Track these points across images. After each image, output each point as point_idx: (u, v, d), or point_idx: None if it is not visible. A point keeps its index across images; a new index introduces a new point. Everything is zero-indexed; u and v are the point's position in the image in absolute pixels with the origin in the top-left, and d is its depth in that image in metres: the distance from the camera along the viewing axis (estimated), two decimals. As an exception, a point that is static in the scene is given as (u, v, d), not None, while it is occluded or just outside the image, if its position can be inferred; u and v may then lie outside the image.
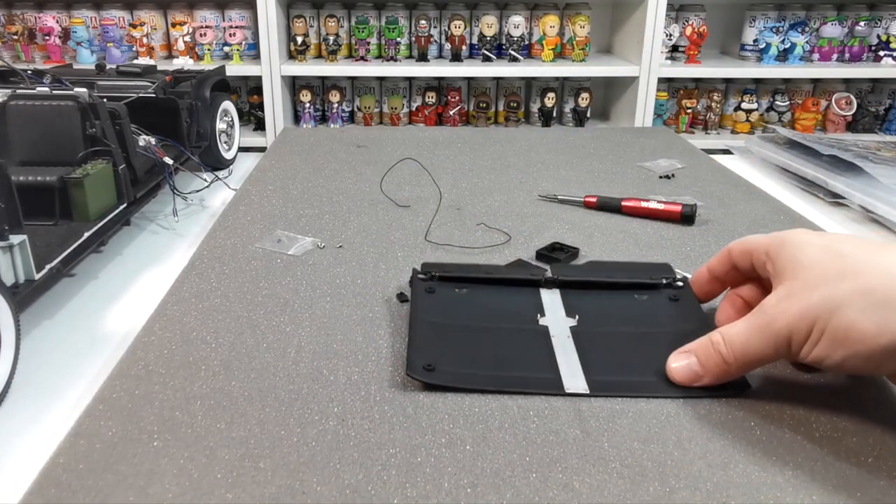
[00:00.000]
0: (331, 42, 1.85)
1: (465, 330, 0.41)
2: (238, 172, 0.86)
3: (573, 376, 0.37)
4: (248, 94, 1.96)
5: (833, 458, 0.32)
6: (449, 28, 1.87)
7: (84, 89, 0.61)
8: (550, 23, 1.86)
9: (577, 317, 0.42)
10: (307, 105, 1.91)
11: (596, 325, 0.42)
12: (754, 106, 1.94)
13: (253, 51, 1.89)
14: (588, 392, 0.36)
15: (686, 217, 0.60)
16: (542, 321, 0.42)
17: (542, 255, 0.52)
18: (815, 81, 1.99)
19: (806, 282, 0.32)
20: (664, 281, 0.44)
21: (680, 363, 0.36)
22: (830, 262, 0.32)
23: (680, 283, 0.44)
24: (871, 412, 0.35)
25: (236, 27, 1.85)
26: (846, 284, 0.31)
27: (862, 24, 1.89)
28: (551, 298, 0.44)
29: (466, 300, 0.44)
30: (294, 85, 1.96)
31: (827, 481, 0.30)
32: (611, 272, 0.46)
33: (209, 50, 1.85)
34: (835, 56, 1.93)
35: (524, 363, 0.38)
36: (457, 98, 1.93)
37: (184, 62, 1.78)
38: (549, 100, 1.93)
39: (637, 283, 0.45)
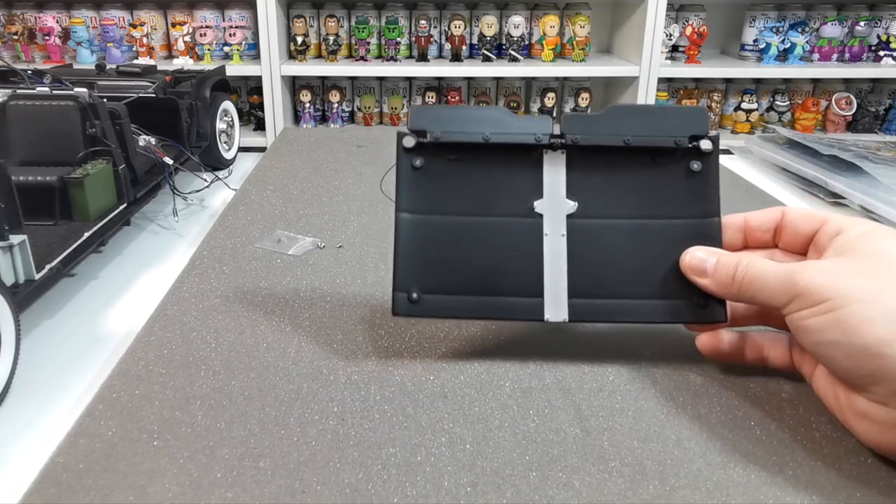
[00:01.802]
0: (331, 42, 1.85)
1: (453, 230, 0.39)
2: (238, 172, 0.86)
3: (556, 302, 0.37)
4: (248, 94, 1.96)
5: (833, 458, 0.32)
6: (449, 28, 1.87)
7: (84, 89, 0.61)
8: (550, 23, 1.86)
9: (576, 202, 0.39)
10: (307, 105, 1.91)
11: (596, 209, 0.39)
12: (754, 106, 1.94)
13: (253, 51, 1.90)
14: (567, 321, 0.37)
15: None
16: (538, 206, 0.39)
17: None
18: (815, 81, 1.99)
19: (857, 269, 0.31)
20: (689, 145, 0.39)
21: (698, 255, 0.37)
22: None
23: (707, 147, 0.39)
24: (870, 411, 0.35)
25: (236, 27, 1.85)
26: (891, 290, 0.30)
27: (862, 24, 1.89)
28: (554, 171, 0.39)
29: (458, 176, 0.39)
30: (294, 85, 1.96)
31: (827, 481, 0.30)
32: (632, 127, 0.39)
33: (209, 50, 1.85)
34: (835, 56, 1.93)
35: (511, 280, 0.38)
36: (457, 98, 1.93)
37: (184, 62, 1.79)
38: (549, 100, 1.93)
39: (655, 148, 0.39)
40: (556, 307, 0.37)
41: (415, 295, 0.38)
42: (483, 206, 0.39)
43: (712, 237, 0.38)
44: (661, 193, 0.39)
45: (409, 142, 0.39)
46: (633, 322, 0.38)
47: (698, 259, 0.37)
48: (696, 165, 0.39)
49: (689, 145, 0.38)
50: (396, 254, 0.38)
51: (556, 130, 0.39)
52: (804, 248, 0.37)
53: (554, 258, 0.38)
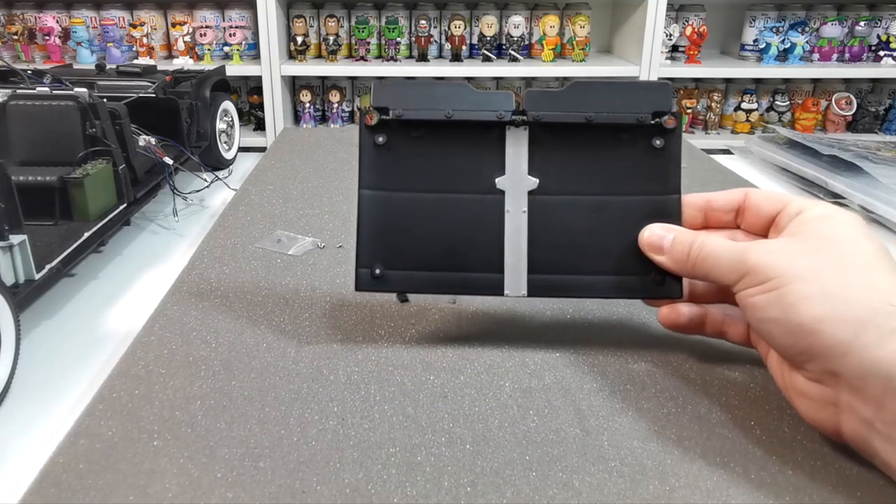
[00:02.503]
0: (331, 42, 1.85)
1: (415, 207, 0.39)
2: (238, 172, 0.86)
3: (516, 277, 0.38)
4: (248, 94, 1.96)
5: (833, 458, 0.32)
6: (449, 28, 1.87)
7: (84, 89, 0.61)
8: (550, 23, 1.86)
9: (538, 179, 0.39)
10: (307, 105, 1.91)
11: (557, 186, 0.39)
12: (754, 106, 1.94)
13: (253, 51, 1.90)
14: (525, 295, 0.38)
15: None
16: (500, 183, 0.39)
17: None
18: (815, 81, 1.99)
19: (804, 249, 0.32)
20: (652, 122, 0.39)
21: (656, 232, 0.38)
22: (833, 253, 0.31)
23: (670, 124, 0.39)
24: (870, 411, 0.35)
25: (236, 27, 1.85)
26: (831, 270, 0.30)
27: (862, 24, 1.89)
28: (516, 147, 0.39)
29: (421, 153, 0.39)
30: (294, 85, 1.96)
31: (827, 480, 0.30)
32: (595, 103, 0.39)
33: (209, 50, 1.85)
34: (835, 56, 1.93)
35: (473, 256, 0.39)
36: (457, 98, 1.93)
37: (184, 62, 1.79)
38: (549, 100, 1.93)
39: (618, 125, 0.39)
40: (515, 283, 0.38)
41: (378, 271, 0.39)
42: (445, 182, 0.39)
43: (671, 214, 0.39)
44: (623, 170, 0.39)
45: (372, 119, 0.39)
46: (590, 297, 0.39)
47: (656, 236, 0.37)
48: (658, 142, 0.39)
49: (652, 122, 0.39)
50: (359, 231, 0.39)
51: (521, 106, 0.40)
52: (766, 229, 0.37)
53: (514, 235, 0.39)
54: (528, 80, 1.99)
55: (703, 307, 0.38)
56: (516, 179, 0.39)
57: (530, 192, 0.39)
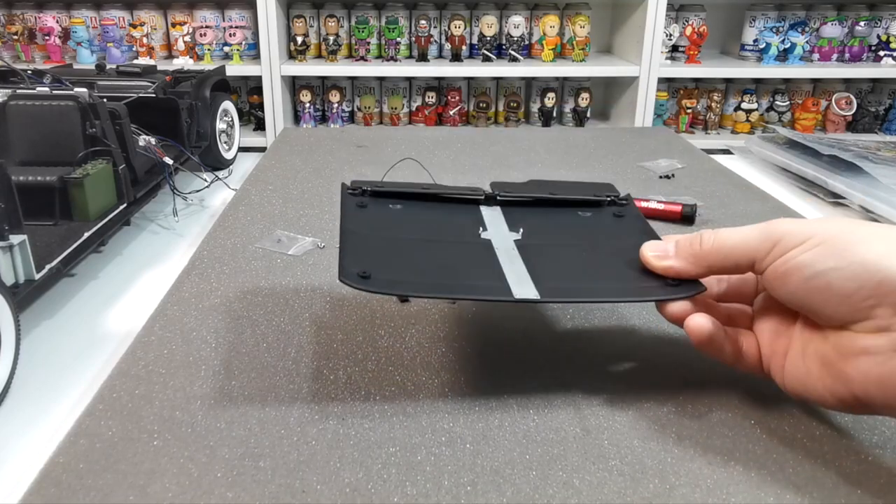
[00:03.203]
0: (331, 42, 1.85)
1: (402, 242, 0.38)
2: (238, 172, 0.86)
3: (522, 284, 0.35)
4: (248, 94, 1.96)
5: (833, 456, 0.32)
6: (449, 28, 1.87)
7: (84, 89, 0.61)
8: (550, 23, 1.86)
9: (520, 230, 0.40)
10: (307, 105, 1.91)
11: (541, 238, 0.39)
12: (754, 106, 1.94)
13: (253, 51, 1.89)
14: (539, 298, 0.34)
15: (686, 217, 0.60)
16: (484, 235, 0.39)
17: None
18: (815, 81, 1.99)
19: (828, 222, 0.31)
20: (608, 198, 0.42)
21: (657, 244, 0.36)
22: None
23: (624, 201, 0.43)
24: (871, 411, 0.35)
25: (236, 27, 1.85)
26: (868, 226, 0.30)
27: (862, 24, 1.89)
28: (492, 215, 0.41)
29: (402, 215, 0.40)
30: (294, 85, 1.96)
31: (827, 479, 0.30)
32: (554, 189, 0.44)
33: (209, 50, 1.85)
34: (835, 56, 1.93)
35: (469, 272, 0.36)
36: (457, 98, 1.93)
37: (184, 62, 1.78)
38: (549, 100, 1.93)
39: (580, 201, 0.42)
40: (522, 288, 0.35)
41: (365, 272, 0.34)
42: (430, 232, 0.39)
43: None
44: (599, 227, 0.41)
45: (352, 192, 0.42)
46: (606, 301, 0.37)
47: (658, 245, 0.36)
48: (617, 211, 0.42)
49: (607, 199, 0.43)
50: (343, 248, 0.36)
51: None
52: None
53: (511, 261, 0.37)
54: (528, 80, 1.99)
55: (723, 326, 0.35)
56: (499, 234, 0.40)
57: (516, 241, 0.39)
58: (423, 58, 1.88)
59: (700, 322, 0.33)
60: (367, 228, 0.39)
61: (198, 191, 0.74)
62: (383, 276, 0.34)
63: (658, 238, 0.37)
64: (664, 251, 0.35)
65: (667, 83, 1.95)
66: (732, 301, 0.37)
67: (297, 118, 1.97)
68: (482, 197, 0.42)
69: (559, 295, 0.35)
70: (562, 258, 0.38)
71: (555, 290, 0.35)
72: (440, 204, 0.42)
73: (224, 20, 1.88)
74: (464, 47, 1.89)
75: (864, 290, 0.28)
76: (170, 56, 1.91)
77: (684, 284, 0.35)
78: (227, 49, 1.87)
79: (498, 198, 0.42)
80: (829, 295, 0.29)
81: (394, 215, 0.41)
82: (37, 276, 0.46)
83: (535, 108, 1.99)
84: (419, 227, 0.40)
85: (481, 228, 0.40)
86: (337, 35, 1.86)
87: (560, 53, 1.92)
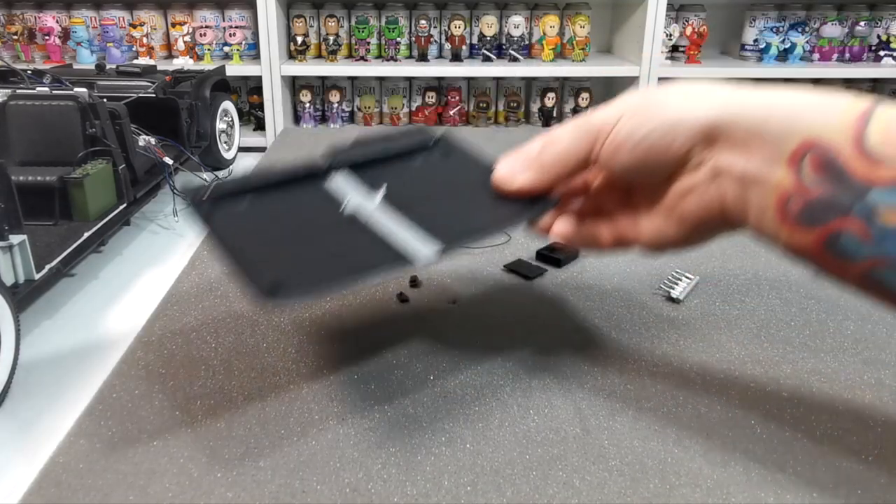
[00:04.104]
0: (331, 42, 1.85)
1: (274, 242, 0.35)
2: (238, 172, 0.86)
3: (418, 241, 0.34)
4: (248, 94, 1.96)
5: (833, 457, 0.32)
6: (449, 28, 1.87)
7: (84, 89, 0.61)
8: (550, 23, 1.86)
9: (381, 191, 0.38)
10: (307, 105, 1.91)
11: (401, 194, 0.38)
12: (754, 106, 1.94)
13: (253, 51, 1.90)
14: (442, 247, 0.33)
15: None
16: (349, 206, 0.37)
17: (542, 255, 0.52)
18: (815, 81, 1.99)
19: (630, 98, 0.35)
20: (432, 142, 0.43)
21: (505, 171, 0.38)
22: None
23: (442, 139, 0.43)
24: (871, 410, 0.35)
25: (236, 27, 1.85)
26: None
27: (862, 24, 1.89)
28: (342, 183, 0.39)
29: (256, 213, 0.37)
30: (294, 85, 1.96)
31: (827, 479, 0.30)
32: (381, 144, 0.42)
33: (209, 50, 1.85)
34: (835, 56, 1.93)
35: (360, 249, 0.34)
36: (457, 98, 1.93)
37: (184, 62, 1.79)
38: (549, 100, 1.93)
39: (414, 149, 0.42)
40: (421, 245, 0.34)
41: (273, 284, 0.31)
42: (294, 224, 0.36)
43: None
44: (437, 171, 0.41)
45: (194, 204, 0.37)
46: (489, 234, 0.36)
47: (505, 171, 0.38)
48: (443, 150, 0.42)
49: (432, 142, 0.42)
50: (234, 272, 0.32)
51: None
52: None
53: (391, 223, 0.36)
54: (528, 80, 1.99)
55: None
56: (362, 201, 0.38)
57: (383, 199, 0.38)
58: (423, 58, 1.88)
59: (562, 229, 0.38)
60: (233, 239, 0.34)
61: (198, 191, 0.74)
62: (288, 281, 0.31)
63: (487, 164, 0.40)
64: (511, 173, 0.38)
65: (667, 83, 1.95)
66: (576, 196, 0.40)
67: (297, 118, 1.97)
68: (326, 169, 0.40)
69: (458, 239, 0.35)
70: (431, 205, 0.38)
71: (451, 235, 0.35)
72: (288, 189, 0.39)
73: (224, 20, 1.88)
74: (464, 47, 1.89)
75: (677, 139, 0.32)
76: (170, 56, 1.91)
77: (540, 201, 0.37)
78: (227, 49, 1.87)
79: (337, 166, 0.40)
80: (655, 152, 0.33)
81: (248, 214, 0.36)
82: (37, 276, 0.46)
83: (535, 108, 1.99)
84: (281, 221, 0.36)
85: (345, 202, 0.37)
86: (337, 35, 1.86)
87: (560, 53, 1.92)
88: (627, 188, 0.37)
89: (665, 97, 0.33)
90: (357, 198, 0.38)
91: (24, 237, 0.44)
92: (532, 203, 0.37)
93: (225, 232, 0.35)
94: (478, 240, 0.35)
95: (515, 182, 0.38)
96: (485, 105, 1.94)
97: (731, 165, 0.31)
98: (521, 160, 0.38)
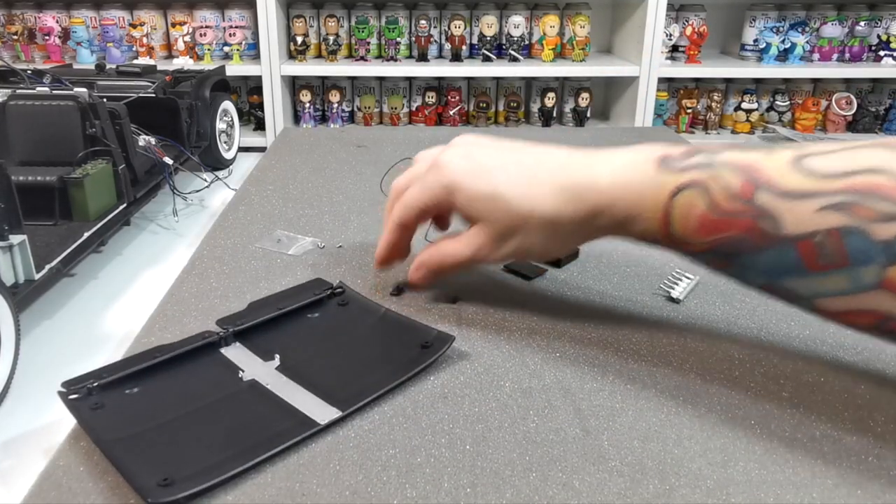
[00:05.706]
0: (331, 42, 1.85)
1: (168, 428, 0.33)
2: (238, 172, 0.86)
3: (317, 407, 0.34)
4: (248, 94, 1.96)
5: (833, 457, 0.32)
6: (449, 28, 1.87)
7: (84, 89, 0.61)
8: (550, 23, 1.86)
9: (276, 356, 0.38)
10: (307, 105, 1.91)
11: (296, 356, 0.39)
12: (754, 106, 1.94)
13: (253, 51, 1.90)
14: (342, 413, 0.34)
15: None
16: (245, 377, 0.37)
17: (541, 254, 0.52)
18: (816, 81, 1.99)
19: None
20: (328, 292, 0.44)
21: (415, 266, 0.45)
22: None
23: (340, 290, 0.45)
24: (870, 411, 0.35)
25: (236, 27, 1.85)
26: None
27: (862, 23, 1.89)
28: (237, 353, 0.39)
29: (147, 398, 0.35)
30: (294, 85, 1.96)
31: (827, 480, 0.30)
32: (275, 303, 0.43)
33: (209, 50, 1.85)
34: (835, 56, 1.93)
35: (260, 424, 0.33)
36: (457, 98, 1.93)
37: (184, 62, 1.78)
38: (549, 100, 1.93)
39: (308, 304, 0.43)
40: (320, 410, 0.34)
41: (164, 478, 0.29)
42: (190, 401, 0.35)
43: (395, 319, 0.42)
44: (334, 324, 0.42)
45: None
46: (393, 387, 0.36)
47: (414, 268, 0.44)
48: (340, 300, 0.44)
49: (327, 293, 0.45)
50: (117, 466, 0.30)
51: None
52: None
53: (290, 391, 0.36)
54: (528, 80, 1.99)
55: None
56: (258, 370, 0.37)
57: (276, 368, 0.37)
58: (423, 58, 1.88)
59: (418, 275, 0.45)
60: (121, 430, 0.32)
61: (198, 191, 0.74)
62: (181, 472, 0.29)
63: (378, 310, 0.43)
64: (417, 265, 0.45)
65: (667, 83, 1.95)
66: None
67: (297, 118, 1.97)
68: (217, 339, 0.39)
69: (355, 401, 0.35)
70: (329, 366, 0.38)
71: (348, 399, 0.35)
72: (178, 367, 0.37)
73: (224, 20, 1.88)
74: (464, 47, 1.89)
75: (492, 208, 0.40)
76: (170, 56, 1.91)
77: (437, 341, 0.39)
78: (227, 49, 1.87)
79: (233, 333, 0.40)
80: (479, 210, 0.41)
81: (138, 401, 0.35)
82: (37, 276, 0.46)
83: (535, 108, 1.99)
84: (175, 401, 0.35)
85: (239, 372, 0.37)
86: (337, 35, 1.86)
87: (560, 53, 1.92)
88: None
89: (493, 168, 0.41)
90: (253, 367, 0.38)
91: (24, 237, 0.44)
92: (428, 346, 0.39)
93: (106, 428, 0.32)
94: (374, 397, 0.35)
95: (419, 274, 0.44)
96: (485, 105, 1.94)
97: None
98: (425, 254, 0.44)
